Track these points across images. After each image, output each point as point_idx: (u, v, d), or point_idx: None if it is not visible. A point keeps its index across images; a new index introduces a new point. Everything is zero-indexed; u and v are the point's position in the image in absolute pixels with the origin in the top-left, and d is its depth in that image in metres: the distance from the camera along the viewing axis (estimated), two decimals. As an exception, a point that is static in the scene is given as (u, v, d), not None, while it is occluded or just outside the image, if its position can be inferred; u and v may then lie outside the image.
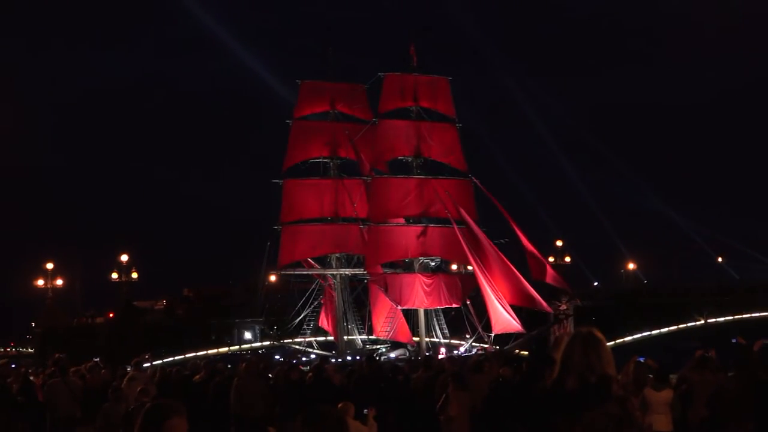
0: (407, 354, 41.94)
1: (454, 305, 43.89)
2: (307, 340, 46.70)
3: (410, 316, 44.17)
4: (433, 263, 46.01)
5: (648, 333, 55.19)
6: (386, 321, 43.13)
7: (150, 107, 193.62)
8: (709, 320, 57.03)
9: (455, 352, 40.85)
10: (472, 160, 46.99)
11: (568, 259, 60.06)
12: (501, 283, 40.59)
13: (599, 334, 4.49)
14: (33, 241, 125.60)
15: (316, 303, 46.94)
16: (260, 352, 45.71)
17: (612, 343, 44.30)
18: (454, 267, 48.57)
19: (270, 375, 17.02)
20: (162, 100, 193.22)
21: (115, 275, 54.08)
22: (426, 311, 44.34)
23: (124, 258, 54.25)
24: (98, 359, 23.89)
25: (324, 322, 47.29)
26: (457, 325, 44.99)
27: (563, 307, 39.08)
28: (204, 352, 47.57)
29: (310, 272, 47.14)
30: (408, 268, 45.40)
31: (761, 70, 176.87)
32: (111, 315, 62.05)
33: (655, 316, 56.63)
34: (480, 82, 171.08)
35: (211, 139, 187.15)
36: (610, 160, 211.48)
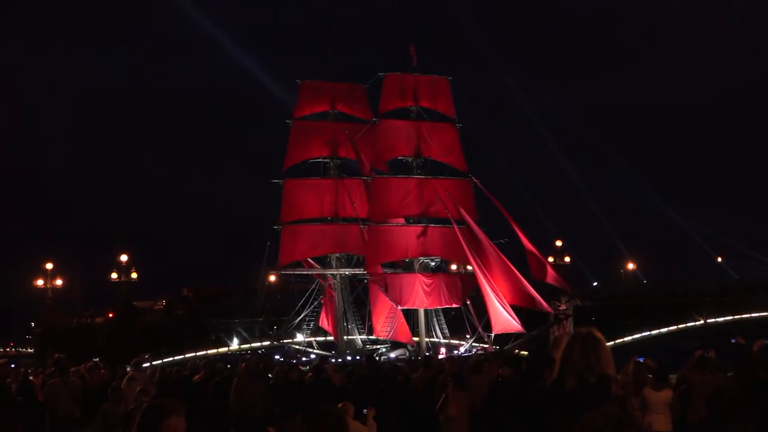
0: (407, 354, 41.92)
1: (454, 305, 43.89)
2: (307, 340, 46.68)
3: (410, 316, 44.16)
4: (433, 263, 46.00)
5: (648, 333, 55.18)
6: (386, 321, 43.12)
7: (150, 107, 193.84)
8: (708, 320, 57.02)
9: (455, 352, 40.84)
10: (472, 160, 47.06)
11: (567, 259, 60.11)
12: (501, 283, 40.58)
13: (599, 335, 4.49)
14: (33, 241, 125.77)
15: (316, 303, 46.93)
16: (260, 352, 45.68)
17: (612, 343, 44.28)
18: (453, 267, 48.57)
19: (269, 375, 17.02)
20: (162, 100, 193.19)
21: (114, 275, 54.13)
22: (426, 311, 44.33)
23: (124, 258, 54.32)
24: (98, 359, 23.89)
25: (324, 322, 47.29)
26: (457, 325, 44.99)
27: (563, 307, 39.08)
28: (203, 352, 47.56)
29: (310, 272, 47.14)
30: (408, 268, 45.39)
31: (761, 70, 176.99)
32: (110, 315, 62.02)
33: (654, 317, 56.62)
34: (480, 82, 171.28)
35: (210, 139, 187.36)
36: (610, 160, 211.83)
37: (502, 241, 42.22)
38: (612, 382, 4.33)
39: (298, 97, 47.84)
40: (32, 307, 62.34)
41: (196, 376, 15.98)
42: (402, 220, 45.60)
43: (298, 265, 46.98)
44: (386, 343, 44.46)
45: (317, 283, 47.13)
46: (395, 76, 45.95)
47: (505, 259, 41.26)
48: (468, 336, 42.70)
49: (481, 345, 40.63)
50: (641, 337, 54.32)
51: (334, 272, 46.73)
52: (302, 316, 46.35)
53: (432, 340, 44.67)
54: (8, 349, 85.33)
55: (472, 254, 41.19)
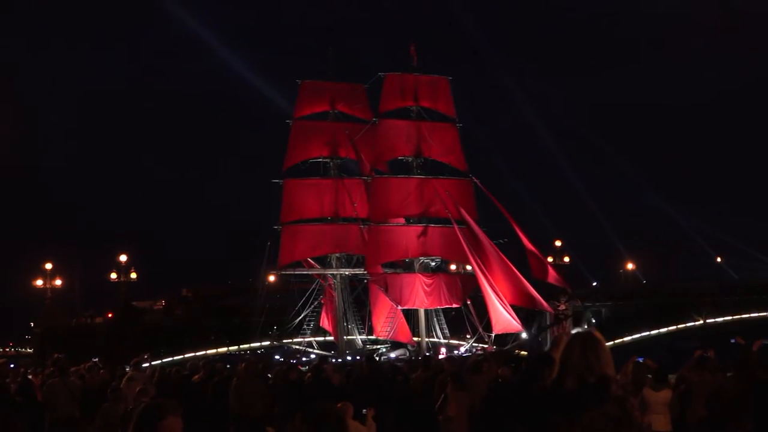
0: (407, 354, 41.91)
1: (455, 305, 43.90)
2: (306, 340, 46.66)
3: (410, 316, 44.16)
4: (433, 263, 46.01)
5: (647, 333, 55.18)
6: (386, 321, 43.12)
7: (150, 107, 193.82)
8: (708, 320, 57.00)
9: (455, 352, 40.84)
10: (472, 160, 47.08)
11: (567, 259, 60.09)
12: (501, 283, 40.58)
13: (598, 335, 4.49)
14: (32, 241, 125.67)
15: (316, 303, 46.92)
16: (259, 352, 45.68)
17: (611, 343, 44.31)
18: (453, 267, 48.57)
19: (269, 375, 17.00)
20: (162, 100, 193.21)
21: (114, 275, 54.15)
22: (426, 311, 44.33)
23: (123, 258, 54.32)
24: (97, 359, 23.92)
25: (325, 322, 47.28)
26: (457, 325, 44.99)
27: (562, 307, 39.12)
28: (203, 352, 47.56)
29: (310, 272, 47.13)
30: (408, 268, 45.39)
31: (761, 70, 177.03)
32: (110, 315, 61.99)
33: (654, 317, 56.62)
34: (480, 82, 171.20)
35: (210, 139, 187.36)
36: (610, 160, 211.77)
37: (501, 241, 42.27)
38: (611, 382, 4.33)
39: (298, 97, 47.86)
40: (32, 307, 62.34)
41: (196, 376, 15.95)
42: (402, 220, 45.61)
43: (298, 265, 46.98)
44: (386, 343, 44.45)
45: (317, 283, 47.12)
46: (395, 76, 45.96)
47: (505, 259, 41.27)
48: (468, 336, 42.71)
49: (480, 345, 40.64)
50: (641, 337, 54.32)
51: (334, 272, 46.73)
52: (302, 316, 46.33)
53: (432, 340, 44.67)
54: (8, 349, 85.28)
55: (472, 254, 41.19)
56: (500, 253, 41.44)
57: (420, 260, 45.06)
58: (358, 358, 37.61)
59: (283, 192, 46.73)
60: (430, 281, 43.89)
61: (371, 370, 15.43)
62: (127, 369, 16.01)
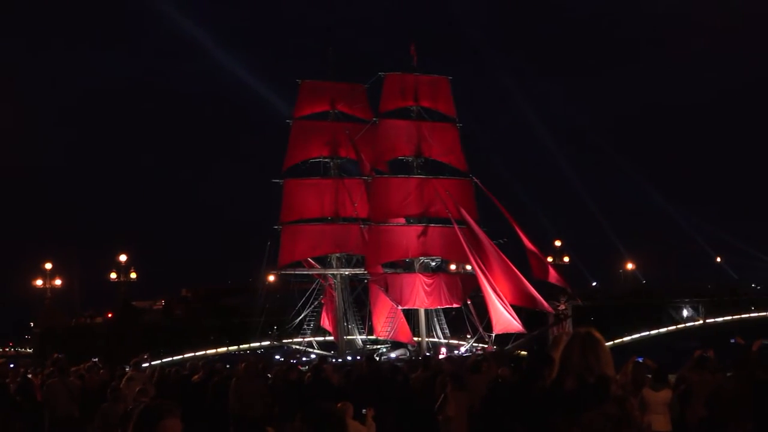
0: (408, 354, 41.90)
1: (455, 305, 43.87)
2: (306, 340, 46.65)
3: (411, 316, 44.14)
4: (433, 263, 45.98)
5: (647, 333, 55.21)
6: (387, 321, 43.09)
7: (150, 107, 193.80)
8: (707, 320, 57.06)
9: (455, 352, 40.82)
10: (472, 160, 47.05)
11: (566, 259, 60.10)
12: (502, 283, 40.55)
13: (598, 335, 4.49)
14: (32, 241, 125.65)
15: (316, 303, 46.90)
16: (259, 352, 45.67)
17: (611, 343, 44.32)
18: (452, 267, 48.54)
19: (269, 375, 16.99)
20: (162, 100, 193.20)
21: (113, 275, 54.11)
22: (426, 311, 44.31)
23: (123, 258, 54.28)
24: (97, 359, 23.91)
25: (325, 322, 47.26)
26: (457, 325, 44.97)
27: (562, 307, 39.10)
28: (203, 353, 47.54)
29: (310, 272, 47.10)
30: (408, 268, 45.37)
31: (761, 70, 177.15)
32: (109, 315, 61.98)
33: (654, 317, 56.67)
34: (480, 82, 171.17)
35: (210, 139, 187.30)
36: (610, 160, 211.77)
37: (501, 241, 42.25)
38: (611, 382, 4.32)
39: (298, 97, 47.83)
40: (31, 307, 62.31)
41: (195, 376, 15.94)
42: (402, 220, 45.58)
43: (299, 265, 46.95)
44: (387, 343, 44.44)
45: (317, 283, 47.09)
46: (395, 76, 45.94)
47: (505, 259, 41.24)
48: (469, 336, 42.69)
49: (480, 345, 40.62)
50: (640, 337, 54.35)
51: (335, 272, 46.70)
52: (302, 316, 46.32)
53: (432, 340, 44.65)
54: (7, 349, 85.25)
55: (472, 254, 41.17)
56: (500, 253, 41.41)
57: (420, 260, 45.04)
58: (358, 358, 37.59)
59: (283, 192, 46.71)
60: (431, 281, 43.87)
61: (371, 370, 15.43)
62: (127, 369, 16.01)
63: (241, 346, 48.83)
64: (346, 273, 46.78)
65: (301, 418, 5.00)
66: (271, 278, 49.49)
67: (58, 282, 53.36)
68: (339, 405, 9.60)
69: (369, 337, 45.42)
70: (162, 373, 16.89)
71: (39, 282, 52.42)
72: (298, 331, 46.64)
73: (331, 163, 47.41)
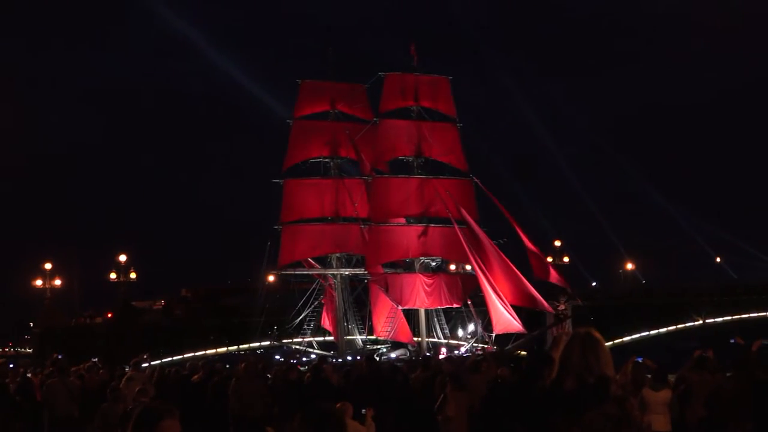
0: (408, 354, 41.90)
1: (455, 305, 43.87)
2: (306, 340, 46.65)
3: (411, 316, 44.14)
4: (433, 263, 45.99)
5: (647, 333, 55.19)
6: (387, 321, 43.08)
7: (150, 107, 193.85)
8: (707, 320, 57.02)
9: (456, 352, 40.82)
10: (472, 160, 47.05)
11: (566, 259, 60.12)
12: (502, 283, 40.54)
13: (597, 335, 4.48)
14: (32, 241, 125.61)
15: (316, 303, 46.90)
16: (259, 352, 45.65)
17: (610, 343, 44.32)
18: (452, 267, 48.53)
19: (269, 375, 16.99)
20: (162, 100, 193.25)
21: (113, 275, 54.09)
22: (427, 311, 44.31)
23: (123, 258, 54.27)
24: (96, 359, 23.92)
25: (325, 322, 47.26)
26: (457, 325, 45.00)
27: (561, 307, 39.09)
28: (202, 353, 47.53)
29: (310, 272, 47.10)
30: (409, 268, 45.36)
31: (761, 70, 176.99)
32: (109, 315, 62.01)
33: (653, 317, 56.64)
34: (480, 82, 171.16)
35: (210, 139, 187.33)
36: (610, 160, 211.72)
37: (501, 241, 42.24)
38: (611, 383, 4.32)
39: (299, 97, 47.83)
40: (31, 307, 62.35)
41: (195, 376, 15.94)
42: (403, 220, 45.58)
43: (299, 265, 46.95)
44: (387, 343, 44.43)
45: (318, 283, 47.09)
46: (396, 76, 45.95)
47: (505, 259, 41.24)
48: (469, 336, 42.68)
49: (480, 345, 40.62)
50: (640, 337, 54.34)
51: (335, 272, 46.70)
52: (302, 316, 46.32)
53: (432, 340, 44.65)
54: (7, 349, 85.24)
55: (472, 254, 41.16)
56: (501, 253, 41.39)
57: (420, 260, 45.04)
58: (358, 358, 37.58)
59: (283, 192, 46.73)
60: (431, 281, 43.87)
61: (371, 370, 15.43)
62: (127, 369, 16.03)
63: (241, 346, 48.79)
64: (346, 273, 46.78)
65: (300, 418, 4.99)
66: (271, 278, 49.47)
67: (57, 282, 53.37)
68: (338, 405, 9.59)
69: (369, 337, 45.41)
70: (162, 373, 16.90)
71: (39, 282, 52.44)
72: (298, 331, 46.63)
73: (332, 163, 47.42)
